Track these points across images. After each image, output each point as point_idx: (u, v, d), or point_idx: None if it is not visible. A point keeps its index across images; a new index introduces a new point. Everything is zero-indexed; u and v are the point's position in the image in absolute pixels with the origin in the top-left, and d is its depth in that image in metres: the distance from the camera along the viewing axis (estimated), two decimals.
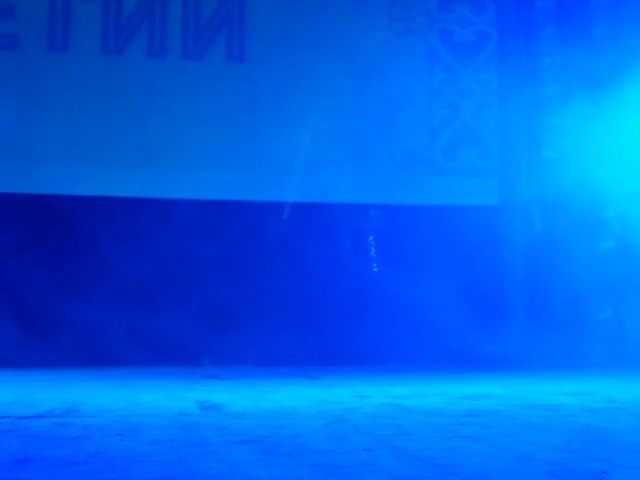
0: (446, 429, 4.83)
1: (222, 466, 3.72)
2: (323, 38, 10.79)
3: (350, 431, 4.79)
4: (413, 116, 10.92)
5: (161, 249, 9.92)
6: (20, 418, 5.26)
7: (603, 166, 10.55)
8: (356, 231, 10.93)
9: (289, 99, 10.54)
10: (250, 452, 4.05)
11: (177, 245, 10.07)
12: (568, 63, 11.12)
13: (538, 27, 11.33)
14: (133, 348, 9.68)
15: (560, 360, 10.05)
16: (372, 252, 11.06)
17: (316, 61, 10.70)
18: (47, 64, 10.23)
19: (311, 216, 10.59)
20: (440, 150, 11.03)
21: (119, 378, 8.47)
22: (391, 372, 9.31)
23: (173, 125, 10.31)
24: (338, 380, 8.38)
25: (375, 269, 10.99)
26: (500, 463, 3.77)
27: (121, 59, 10.36)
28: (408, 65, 10.94)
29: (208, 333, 9.91)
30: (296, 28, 10.75)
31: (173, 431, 4.75)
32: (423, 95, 11.05)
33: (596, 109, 10.66)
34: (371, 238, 11.08)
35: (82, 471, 3.57)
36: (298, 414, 5.52)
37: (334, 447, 4.20)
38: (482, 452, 4.08)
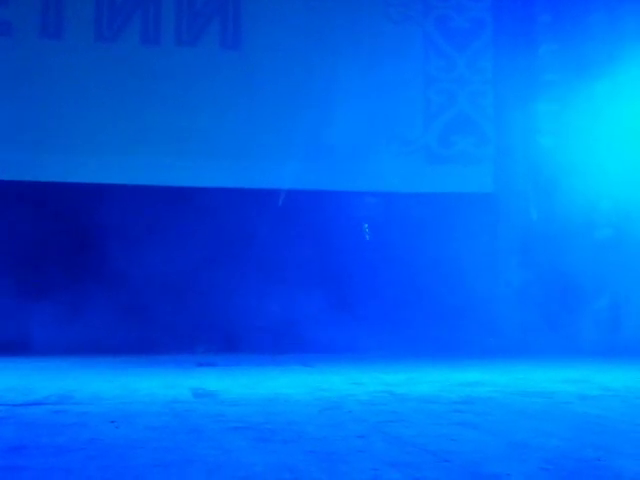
0: (440, 416, 4.84)
1: (217, 452, 3.72)
2: (318, 25, 10.75)
3: (344, 418, 4.80)
4: (409, 103, 10.90)
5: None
6: (15, 406, 5.26)
7: (599, 153, 10.55)
8: (351, 219, 10.92)
9: (283, 87, 10.50)
10: (245, 439, 4.05)
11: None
12: (564, 50, 11.10)
13: (535, 14, 11.31)
14: (131, 337, 9.69)
15: (555, 348, 10.07)
16: (367, 239, 11.05)
17: (311, 48, 10.66)
18: (40, 51, 10.18)
19: (306, 203, 10.57)
20: (436, 137, 11.01)
21: (114, 366, 8.47)
22: (386, 360, 9.33)
23: (167, 111, 10.27)
24: (333, 368, 8.39)
25: (369, 257, 10.99)
26: (494, 450, 3.78)
27: (115, 46, 10.31)
28: (404, 52, 10.91)
29: (204, 321, 9.93)
30: (291, 15, 10.71)
31: (168, 418, 4.75)
32: (419, 82, 11.02)
33: (592, 97, 10.64)
34: (366, 226, 11.07)
35: (77, 458, 3.57)
36: (293, 401, 5.53)
37: (328, 434, 4.20)
38: (476, 439, 4.09)
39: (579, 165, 10.59)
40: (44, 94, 10.11)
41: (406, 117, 10.87)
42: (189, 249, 10.12)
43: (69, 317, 9.74)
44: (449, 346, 10.10)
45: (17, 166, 9.98)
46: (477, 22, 11.18)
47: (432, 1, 11.11)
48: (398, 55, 10.87)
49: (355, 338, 10.18)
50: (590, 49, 10.92)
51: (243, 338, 10.09)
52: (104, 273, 9.98)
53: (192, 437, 4.12)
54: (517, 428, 4.45)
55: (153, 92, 10.32)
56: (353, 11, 10.87)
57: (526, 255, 10.92)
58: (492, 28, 11.21)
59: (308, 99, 10.52)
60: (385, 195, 10.95)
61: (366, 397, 5.75)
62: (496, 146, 11.14)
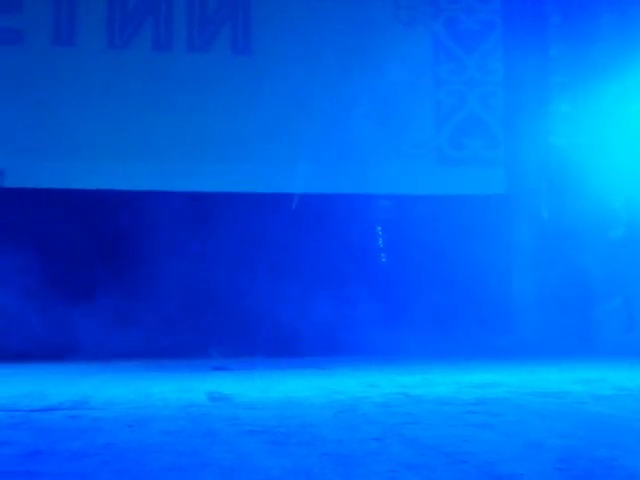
0: (455, 417, 4.84)
1: (232, 456, 3.73)
2: (328, 28, 10.77)
3: (359, 420, 4.80)
4: (419, 106, 10.90)
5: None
6: (31, 411, 5.29)
7: (610, 154, 10.52)
8: (364, 222, 10.93)
9: (295, 90, 10.53)
10: (260, 442, 4.06)
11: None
12: (575, 52, 11.08)
13: (545, 16, 11.30)
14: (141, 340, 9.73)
15: (569, 348, 10.04)
16: (380, 242, 11.06)
17: (321, 52, 10.68)
18: (53, 58, 10.25)
19: (319, 207, 10.59)
20: (446, 139, 11.01)
21: (128, 371, 8.50)
22: (400, 361, 9.32)
23: (179, 117, 10.32)
24: (347, 370, 8.40)
25: (383, 259, 10.99)
26: (509, 450, 3.78)
27: (127, 52, 10.37)
28: (414, 54, 10.92)
29: (216, 325, 9.95)
30: (301, 19, 10.74)
31: (183, 422, 4.77)
32: (429, 84, 11.03)
33: (603, 97, 10.62)
34: (379, 228, 11.08)
35: (93, 463, 3.59)
36: (307, 404, 5.53)
37: (344, 436, 4.20)
38: (491, 440, 4.09)
39: (591, 165, 10.57)
40: (56, 101, 10.17)
41: (417, 119, 10.88)
42: (206, 254, 10.16)
43: (81, 322, 9.80)
44: (464, 347, 10.08)
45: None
46: (486, 24, 11.18)
47: (441, 3, 11.12)
48: (408, 57, 10.88)
49: (371, 340, 10.18)
50: (601, 50, 10.90)
51: (258, 341, 10.11)
52: (121, 279, 10.04)
53: (207, 441, 4.13)
54: (531, 428, 4.44)
55: (165, 98, 10.36)
56: (362, 14, 10.89)
57: (539, 255, 10.90)
58: (502, 29, 11.20)
59: (319, 103, 10.55)
60: (397, 198, 10.95)
61: (381, 399, 5.75)
62: (507, 147, 11.13)
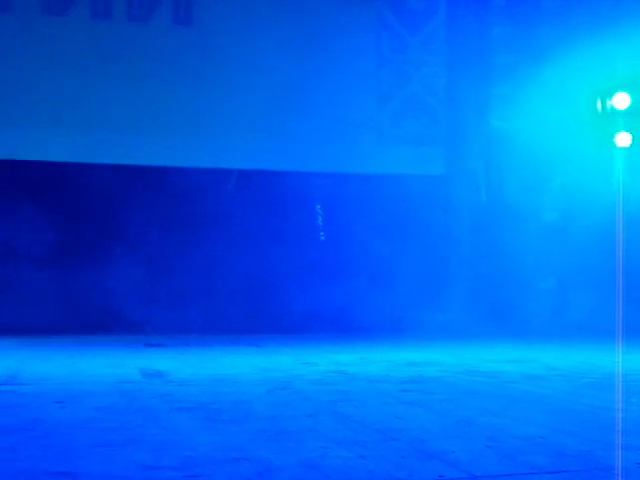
0: (389, 395, 4.87)
1: (165, 432, 3.69)
2: (270, 3, 10.64)
3: (294, 397, 4.80)
4: (361, 84, 10.87)
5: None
6: None
7: (549, 137, 10.66)
8: (304, 199, 10.89)
9: (236, 65, 10.39)
10: (193, 418, 4.03)
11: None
12: (518, 34, 11.17)
13: None
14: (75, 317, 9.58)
15: (503, 328, 10.20)
16: (319, 220, 11.05)
17: (263, 26, 10.56)
18: None
19: (257, 183, 10.51)
20: (388, 118, 11.01)
21: (59, 346, 8.35)
22: (337, 340, 9.36)
23: (117, 88, 10.08)
24: (283, 348, 8.40)
25: (322, 237, 10.99)
26: (441, 428, 3.81)
27: (64, 20, 10.08)
28: (357, 32, 10.88)
29: (152, 303, 9.85)
30: None
31: (115, 398, 4.70)
32: (372, 63, 11.00)
33: (544, 80, 10.73)
34: (319, 206, 11.06)
35: (21, 438, 3.52)
36: (242, 381, 5.52)
37: (277, 413, 4.20)
38: (423, 417, 4.12)
39: (530, 149, 10.69)
40: None
41: (358, 98, 10.85)
42: (143, 228, 10.01)
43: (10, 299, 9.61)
44: (399, 325, 10.17)
45: None
46: (431, 4, 11.18)
47: None
48: (351, 35, 10.83)
49: (307, 318, 10.19)
50: (543, 33, 11.01)
51: (192, 318, 10.02)
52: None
53: (139, 417, 4.08)
54: (463, 407, 4.50)
55: (103, 67, 10.11)
56: None
57: (476, 236, 11.02)
58: (445, 10, 11.22)
59: (259, 79, 10.43)
60: (337, 176, 10.93)
61: (316, 377, 5.76)
62: (448, 128, 11.19)
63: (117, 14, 10.24)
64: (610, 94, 10.61)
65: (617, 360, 7.01)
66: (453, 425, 3.90)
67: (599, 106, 10.82)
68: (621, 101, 10.47)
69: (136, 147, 10.16)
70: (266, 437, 3.55)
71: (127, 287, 9.92)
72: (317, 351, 8.00)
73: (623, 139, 10.52)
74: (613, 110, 10.60)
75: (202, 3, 10.45)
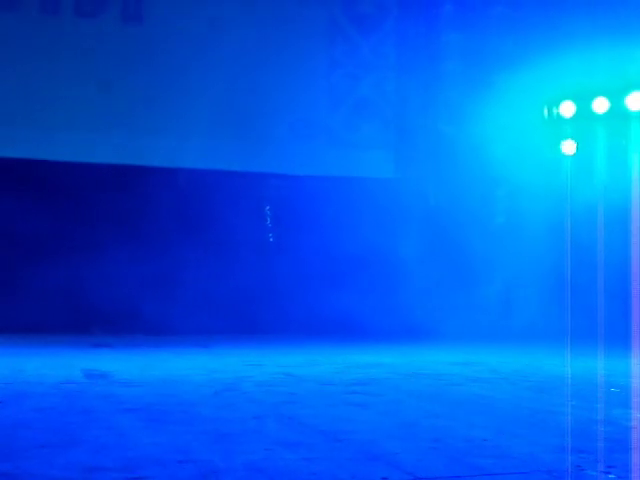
0: (335, 397, 4.88)
1: (108, 433, 3.65)
2: (222, 3, 10.59)
3: (240, 399, 4.78)
4: (313, 87, 10.88)
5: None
6: None
7: (496, 143, 10.79)
8: (255, 199, 10.86)
9: (186, 64, 10.30)
10: (137, 420, 3.99)
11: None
12: (467, 40, 11.29)
13: (437, 2, 11.46)
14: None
15: (450, 331, 10.28)
16: (269, 221, 11.03)
17: (214, 26, 10.50)
18: None
19: (209, 183, 10.44)
20: (339, 121, 11.04)
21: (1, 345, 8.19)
22: (284, 341, 9.35)
23: (62, 85, 9.92)
24: (231, 349, 8.37)
25: (271, 239, 10.98)
26: (386, 429, 3.84)
27: (10, 15, 9.90)
28: (309, 35, 10.89)
29: (102, 302, 9.72)
30: None
31: (57, 399, 4.64)
32: (323, 66, 11.02)
33: (492, 86, 10.86)
34: (269, 207, 11.04)
35: None
36: (188, 382, 5.48)
37: (223, 415, 4.18)
38: (368, 419, 4.14)
39: (477, 154, 10.81)
40: None
41: (310, 100, 10.86)
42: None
43: None
44: (347, 327, 10.19)
45: None
46: (382, 8, 11.24)
47: None
48: (303, 37, 10.84)
49: (255, 320, 10.16)
50: (492, 40, 11.15)
51: (138, 319, 9.91)
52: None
53: (82, 418, 4.03)
54: (408, 408, 4.53)
55: (49, 64, 9.93)
56: None
57: (424, 240, 11.09)
58: (396, 15, 11.29)
59: (211, 77, 10.36)
60: (288, 177, 10.92)
61: (263, 378, 5.75)
62: (398, 132, 11.26)
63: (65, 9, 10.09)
64: (557, 102, 10.80)
65: (561, 364, 7.13)
66: (398, 426, 3.92)
67: (546, 113, 11.00)
68: (567, 109, 10.66)
69: (82, 143, 10.00)
70: (211, 439, 3.54)
71: (76, 286, 9.77)
72: (264, 353, 7.99)
73: (569, 146, 10.71)
74: (559, 117, 10.78)
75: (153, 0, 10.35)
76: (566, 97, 10.64)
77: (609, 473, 3.08)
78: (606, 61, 10.07)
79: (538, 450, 3.43)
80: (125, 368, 6.32)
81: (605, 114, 10.38)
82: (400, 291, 10.77)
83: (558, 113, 10.77)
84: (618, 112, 10.28)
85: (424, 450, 3.38)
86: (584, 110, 10.55)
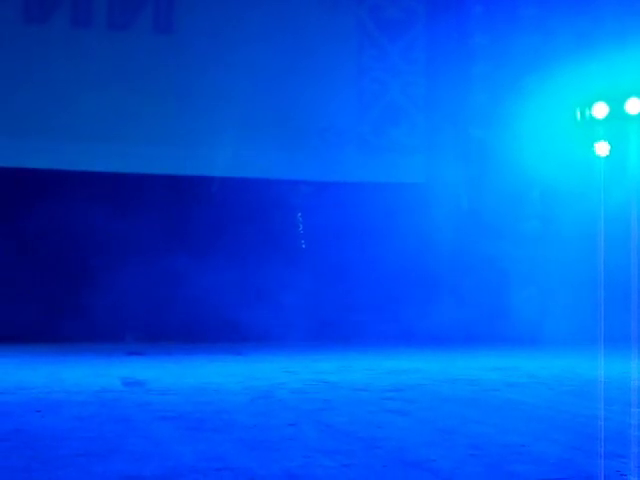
0: (371, 403, 4.87)
1: (145, 442, 3.67)
2: (251, 12, 10.63)
3: (276, 406, 4.79)
4: (342, 92, 10.88)
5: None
6: None
7: (528, 146, 10.72)
8: (286, 207, 10.88)
9: (217, 73, 10.36)
10: (174, 428, 4.01)
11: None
12: (496, 43, 11.23)
13: (467, 5, 11.41)
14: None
15: (485, 336, 10.22)
16: (301, 228, 11.04)
17: (244, 35, 10.55)
18: None
19: (240, 191, 10.49)
20: (369, 127, 11.03)
21: (39, 354, 8.27)
22: (318, 348, 9.35)
23: (98, 96, 10.03)
24: (265, 356, 8.37)
25: (303, 245, 10.99)
26: (422, 436, 3.82)
27: (44, 28, 10.03)
28: (337, 41, 10.90)
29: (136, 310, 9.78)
30: (224, 0, 10.59)
31: (95, 407, 4.67)
32: (352, 71, 11.02)
33: (522, 90, 10.79)
34: (300, 214, 11.05)
35: (2, 448, 3.49)
36: (223, 390, 5.50)
37: (259, 422, 4.19)
38: (405, 426, 4.13)
39: (508, 157, 10.74)
40: None
41: (340, 106, 10.86)
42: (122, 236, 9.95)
43: None
44: (381, 333, 10.16)
45: None
46: (410, 12, 11.22)
47: None
48: (332, 44, 10.84)
49: (289, 326, 10.16)
50: (522, 42, 11.07)
51: (173, 327, 9.97)
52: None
53: (119, 427, 4.06)
54: (445, 415, 4.51)
55: (84, 75, 10.05)
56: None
57: (457, 244, 11.04)
58: (424, 19, 11.26)
59: (241, 86, 10.41)
60: (319, 184, 10.92)
61: (298, 385, 5.75)
62: (427, 136, 11.22)
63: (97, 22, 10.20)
64: (589, 104, 10.69)
65: (598, 368, 7.05)
66: (434, 433, 3.90)
67: (578, 115, 10.90)
68: (600, 110, 10.55)
69: (116, 155, 10.11)
70: (248, 446, 3.55)
71: (105, 297, 9.84)
72: (298, 359, 7.99)
73: (602, 148, 10.59)
74: (592, 119, 10.68)
75: (183, 11, 10.42)
76: (599, 98, 10.52)
77: None
78: (638, 61, 9.96)
79: (577, 455, 3.39)
80: (160, 376, 6.36)
81: (638, 115, 10.26)
82: (433, 296, 10.71)
83: (591, 114, 10.66)
84: None
85: (461, 457, 3.37)
86: (617, 111, 10.43)
